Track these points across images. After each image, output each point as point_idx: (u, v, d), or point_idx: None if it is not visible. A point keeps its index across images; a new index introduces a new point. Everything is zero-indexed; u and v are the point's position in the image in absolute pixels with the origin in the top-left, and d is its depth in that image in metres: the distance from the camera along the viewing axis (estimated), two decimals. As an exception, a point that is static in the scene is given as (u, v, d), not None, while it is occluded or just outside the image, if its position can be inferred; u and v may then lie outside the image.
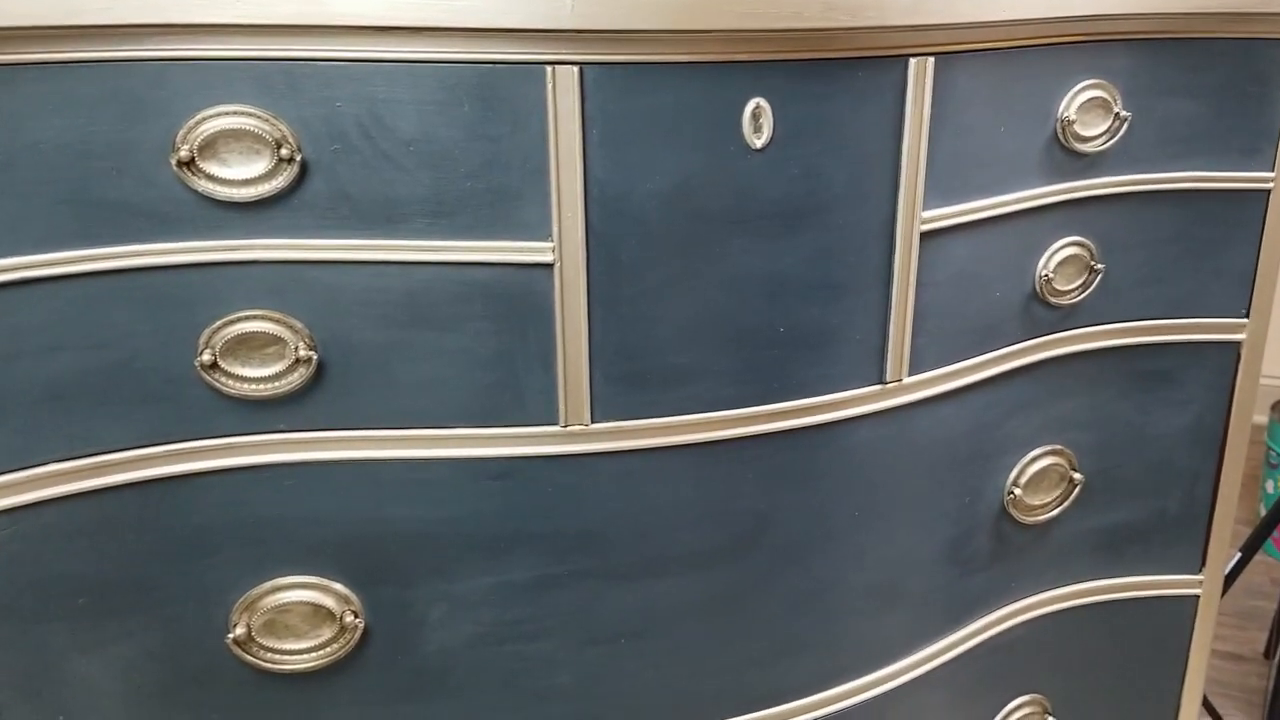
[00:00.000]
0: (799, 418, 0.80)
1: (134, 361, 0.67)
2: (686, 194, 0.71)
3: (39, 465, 0.66)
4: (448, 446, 0.73)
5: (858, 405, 0.82)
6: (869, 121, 0.74)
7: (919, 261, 0.80)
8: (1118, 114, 0.87)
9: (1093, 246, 0.91)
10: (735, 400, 0.78)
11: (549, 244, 0.69)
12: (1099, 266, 0.91)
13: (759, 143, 0.71)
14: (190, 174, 0.64)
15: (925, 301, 0.82)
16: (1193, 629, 1.09)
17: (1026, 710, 1.05)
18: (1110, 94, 0.86)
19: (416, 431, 0.73)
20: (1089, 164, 0.88)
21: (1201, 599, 1.08)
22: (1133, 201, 0.92)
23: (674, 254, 0.72)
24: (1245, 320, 0.98)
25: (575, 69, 0.66)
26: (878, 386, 0.82)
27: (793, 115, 0.72)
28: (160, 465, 0.69)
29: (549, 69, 0.65)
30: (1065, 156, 0.87)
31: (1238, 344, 0.99)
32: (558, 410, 0.74)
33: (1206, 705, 1.77)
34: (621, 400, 0.75)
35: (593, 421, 0.75)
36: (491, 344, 0.71)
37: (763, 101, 0.70)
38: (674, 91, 0.68)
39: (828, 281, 0.77)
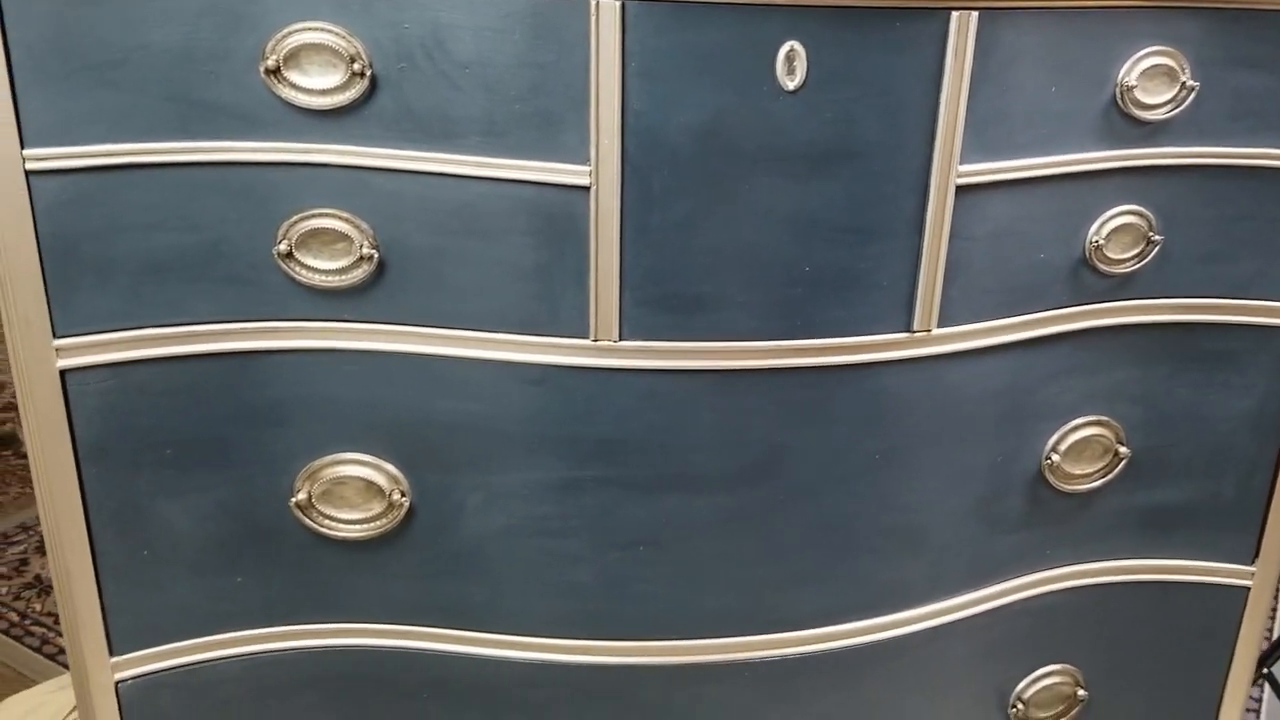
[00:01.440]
0: (820, 356, 0.84)
1: (221, 245, 0.76)
2: (718, 130, 0.75)
3: (138, 328, 0.77)
4: (489, 349, 0.80)
5: (882, 350, 0.85)
6: (906, 72, 0.77)
7: (954, 214, 0.82)
8: (1184, 83, 0.86)
9: (1151, 217, 0.90)
10: (757, 332, 0.82)
11: (587, 168, 0.75)
12: (1157, 238, 0.91)
13: (791, 85, 0.75)
14: (276, 81, 0.72)
15: (959, 255, 0.84)
16: (1241, 621, 1.06)
17: (1057, 679, 1.05)
18: (1177, 62, 0.85)
19: (462, 332, 0.80)
20: (1150, 132, 0.88)
21: (1253, 591, 1.05)
22: (1199, 174, 0.91)
23: (704, 186, 0.77)
24: (1317, 306, 0.96)
25: (618, 4, 0.71)
26: (904, 334, 0.85)
27: (827, 61, 0.75)
28: (241, 340, 0.79)
29: (593, 2, 0.71)
30: (1124, 123, 0.87)
31: (1307, 330, 0.96)
32: (589, 325, 0.80)
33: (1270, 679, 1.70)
34: (648, 321, 0.80)
35: (620, 339, 0.80)
36: (531, 258, 0.78)
37: (797, 45, 0.74)
38: (711, 30, 0.73)
39: (856, 226, 0.80)
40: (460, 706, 0.91)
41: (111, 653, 0.83)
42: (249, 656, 0.87)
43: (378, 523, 0.85)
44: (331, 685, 0.90)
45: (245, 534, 0.84)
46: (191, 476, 0.81)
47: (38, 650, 1.94)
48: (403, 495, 0.84)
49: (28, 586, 2.08)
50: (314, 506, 0.84)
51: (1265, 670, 1.77)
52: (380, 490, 0.84)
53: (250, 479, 0.83)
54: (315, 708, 0.90)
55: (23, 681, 1.87)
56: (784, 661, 0.92)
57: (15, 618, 2.00)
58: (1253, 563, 1.04)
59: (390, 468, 0.84)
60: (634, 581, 0.88)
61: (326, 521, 0.84)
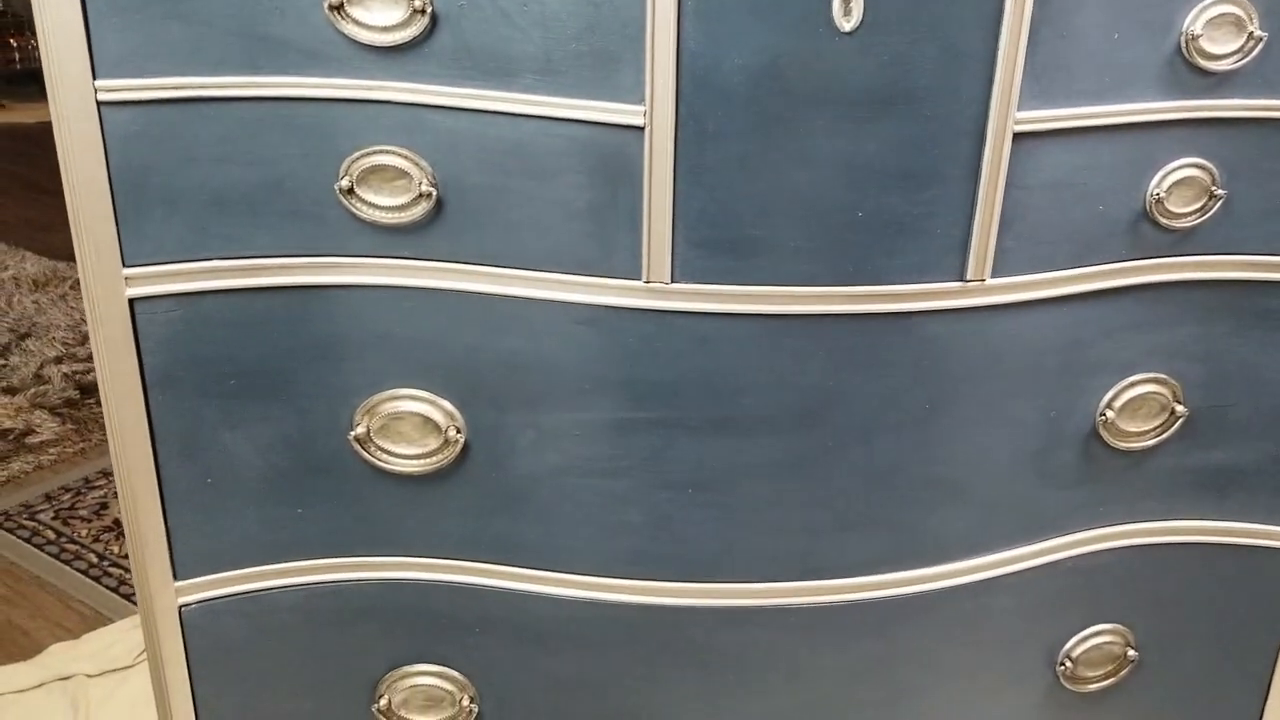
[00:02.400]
0: (872, 303, 0.82)
1: (285, 181, 0.77)
2: (773, 71, 0.74)
3: (204, 260, 0.78)
4: (543, 288, 0.80)
5: (935, 299, 0.83)
6: (965, 14, 0.75)
7: (1010, 163, 0.80)
8: (1252, 33, 0.83)
9: (1215, 171, 0.87)
10: (809, 278, 0.81)
11: (641, 108, 0.75)
12: (1220, 192, 0.88)
13: (848, 26, 0.74)
14: (339, 17, 0.73)
15: (1015, 204, 0.82)
16: (1299, 585, 1.03)
17: (1107, 639, 1.03)
18: (1245, 11, 0.82)
19: (517, 271, 0.80)
20: (1216, 83, 0.85)
21: (1311, 555, 1.02)
22: (1265, 128, 0.88)
23: (758, 128, 0.76)
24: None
25: (674, -56, 0.70)
26: (958, 283, 0.83)
27: (884, 2, 0.74)
28: (303, 274, 0.80)
29: (649, -57, 0.70)
30: (1188, 73, 0.84)
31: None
32: (641, 266, 0.79)
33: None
34: (700, 264, 0.80)
35: (672, 281, 0.80)
36: (585, 198, 0.77)
37: (853, -14, 0.73)
38: (766, -30, 0.72)
39: (910, 171, 0.79)
40: (511, 642, 0.91)
41: (175, 577, 0.85)
42: (307, 586, 0.89)
43: (434, 458, 0.85)
44: (386, 617, 0.91)
45: (305, 466, 0.85)
46: (254, 407, 0.82)
47: (115, 591, 1.99)
48: (458, 432, 0.84)
49: (106, 530, 2.13)
50: (372, 441, 0.84)
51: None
52: (436, 426, 0.84)
53: (310, 412, 0.84)
54: (370, 638, 0.91)
55: (100, 620, 1.92)
56: (828, 608, 0.91)
57: (94, 559, 2.06)
58: (1311, 527, 1.01)
59: (446, 404, 0.84)
60: (682, 523, 0.87)
61: (384, 456, 0.85)
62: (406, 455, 0.85)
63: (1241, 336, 0.95)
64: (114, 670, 1.78)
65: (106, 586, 2.00)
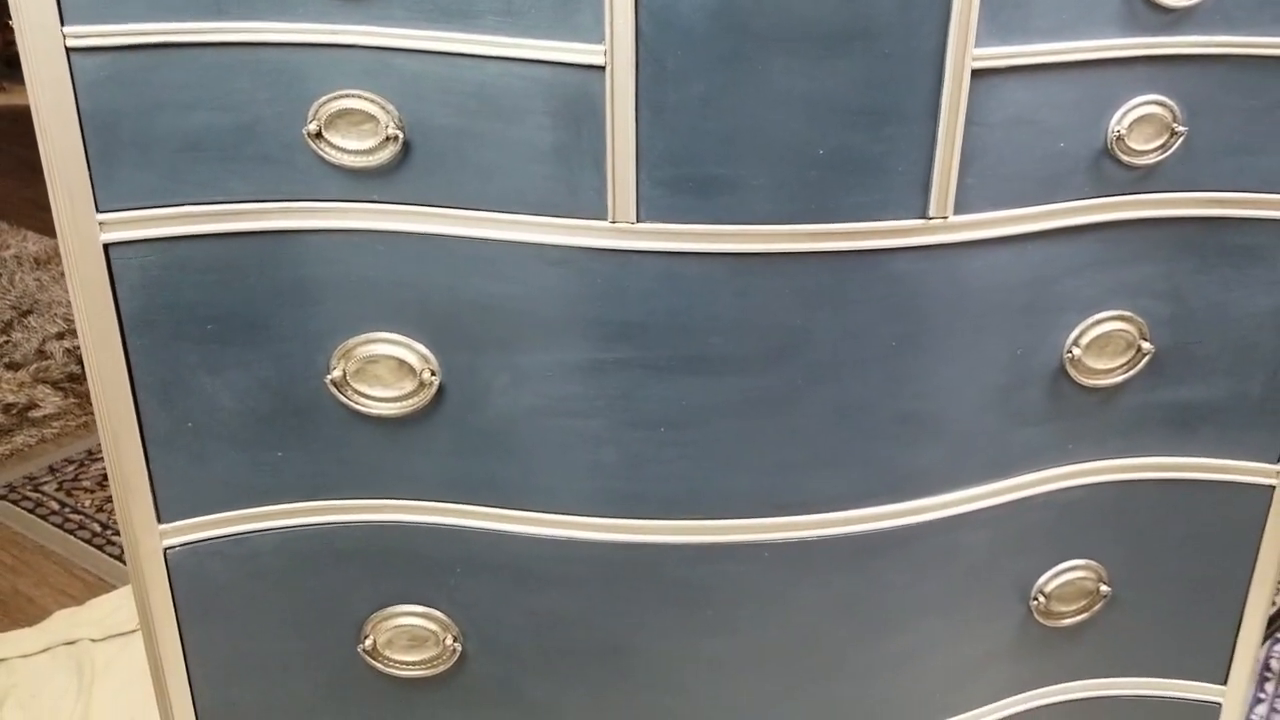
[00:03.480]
0: (836, 240, 0.83)
1: (255, 125, 0.77)
2: (732, 8, 0.75)
3: (178, 205, 0.79)
4: (511, 230, 0.81)
5: (898, 236, 0.84)
6: (920, -49, 0.75)
7: (970, 100, 0.81)
8: (1210, -30, 0.83)
9: (1175, 108, 0.88)
10: (773, 216, 0.81)
11: (601, 47, 0.75)
12: (1181, 129, 0.88)
13: (803, -36, 0.74)
14: (301, -37, 0.73)
15: (976, 141, 0.82)
16: (1266, 520, 1.04)
17: (1080, 574, 1.04)
18: (1202, -50, 0.83)
19: (485, 214, 0.81)
20: (1174, 20, 0.85)
21: (1278, 490, 1.03)
22: (1226, 64, 0.88)
23: (718, 66, 0.76)
24: (1344, 202, 0.93)
25: (629, -118, 0.71)
26: (920, 221, 0.84)
27: (838, -61, 0.74)
28: (275, 219, 0.80)
29: (604, -120, 0.71)
30: (1147, 10, 0.84)
31: (1333, 221, 0.93)
32: (607, 207, 0.80)
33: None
34: (665, 203, 0.80)
35: (638, 220, 0.80)
36: (549, 139, 0.78)
37: (808, -77, 0.73)
38: (722, -92, 0.72)
39: (871, 108, 0.79)
40: (492, 581, 0.92)
41: (159, 520, 0.86)
42: (290, 529, 0.90)
43: (409, 401, 0.86)
44: (369, 559, 0.92)
45: (284, 410, 0.86)
46: (231, 352, 0.83)
47: (118, 559, 2.01)
48: (433, 374, 0.85)
49: (110, 500, 2.15)
50: (348, 384, 0.85)
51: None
52: (411, 369, 0.85)
53: (288, 356, 0.84)
54: (354, 580, 0.92)
55: (104, 586, 1.94)
56: (802, 543, 0.92)
57: (97, 528, 2.07)
58: (1278, 461, 1.02)
59: (420, 347, 0.85)
60: (656, 462, 0.88)
61: (361, 399, 0.86)
62: (383, 398, 0.86)
63: (1206, 274, 0.95)
64: (118, 635, 1.80)
65: (110, 555, 2.02)
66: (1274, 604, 1.77)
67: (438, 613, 0.93)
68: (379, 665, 0.94)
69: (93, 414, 2.58)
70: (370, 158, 0.79)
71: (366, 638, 0.94)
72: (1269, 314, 0.97)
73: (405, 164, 0.79)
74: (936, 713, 1.04)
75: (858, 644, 0.98)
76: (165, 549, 0.87)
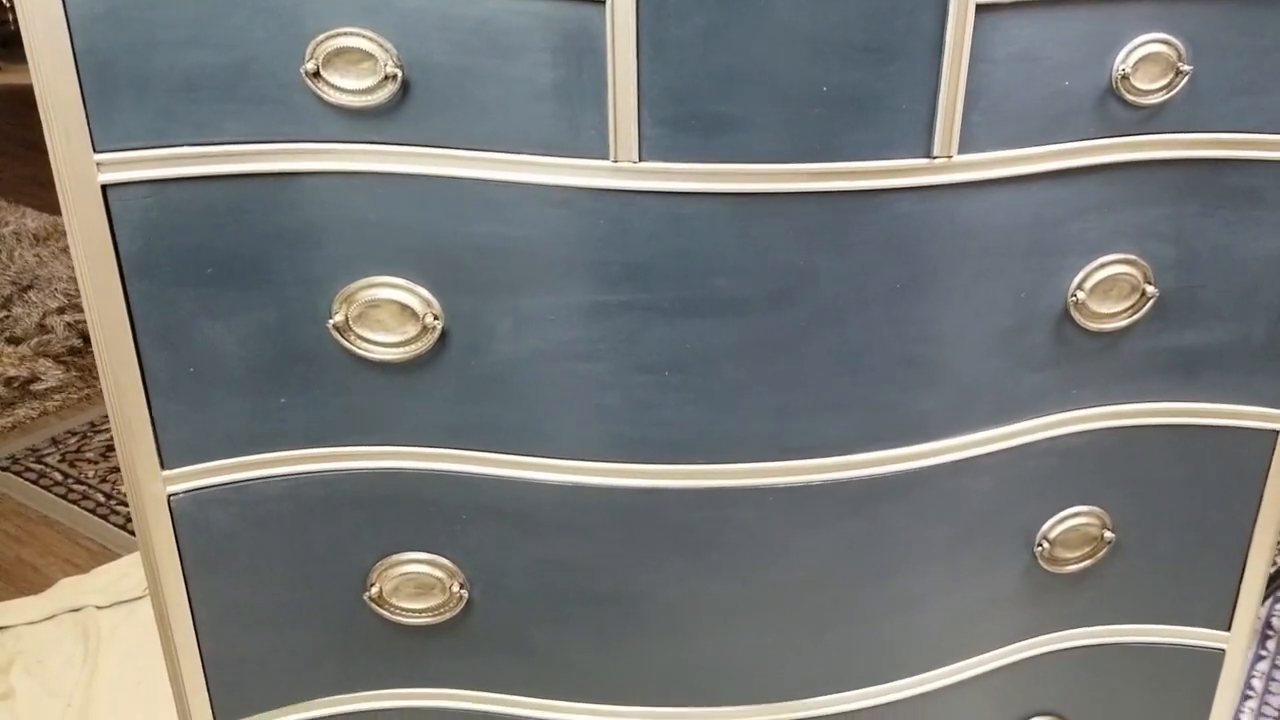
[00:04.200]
0: (840, 180, 0.82)
1: (251, 64, 0.76)
2: (733, -60, 0.73)
3: (175, 146, 0.77)
4: (513, 170, 0.80)
5: (902, 176, 0.83)
6: (923, -118, 0.74)
7: (974, 35, 0.79)
8: (1215, -95, 0.82)
9: (1181, 47, 0.86)
10: (777, 155, 0.80)
11: (602, -20, 0.74)
12: (1186, 68, 0.87)
13: (806, -106, 0.73)
14: (297, -104, 0.72)
15: (980, 79, 0.81)
16: (1270, 465, 1.03)
17: (1084, 520, 1.03)
18: (1207, -117, 0.81)
19: (485, 154, 0.79)
20: (1179, -43, 0.84)
21: (1283, 434, 1.02)
22: (1232, 3, 0.86)
23: (719, 1, 0.75)
24: (1348, 141, 0.91)
25: None
26: (924, 160, 0.83)
27: None
28: (273, 161, 0.79)
29: None
30: (1151, -53, 0.83)
31: (1339, 166, 0.92)
32: (608, 146, 0.79)
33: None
34: (667, 142, 0.79)
35: (640, 160, 0.79)
36: (550, 77, 0.77)
37: None
38: None
39: (874, 45, 0.78)
40: (497, 528, 0.92)
41: (163, 466, 0.85)
42: (294, 476, 0.89)
43: (412, 346, 0.85)
44: (374, 506, 0.91)
45: (287, 356, 0.85)
46: (232, 296, 0.82)
47: (122, 528, 2.00)
48: (435, 319, 0.84)
49: (113, 470, 2.15)
50: (351, 329, 0.84)
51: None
52: (414, 313, 0.84)
53: (289, 301, 0.83)
54: (359, 528, 0.92)
55: (108, 555, 1.94)
56: (806, 487, 0.91)
57: (101, 498, 2.07)
58: (1283, 405, 1.01)
59: (423, 291, 0.84)
60: (660, 405, 0.87)
61: (363, 344, 0.85)
62: (385, 343, 0.85)
63: (1210, 216, 0.94)
64: (123, 601, 1.80)
65: (114, 524, 2.02)
66: (1275, 562, 1.77)
67: (444, 560, 0.93)
68: (385, 613, 0.94)
69: (94, 387, 2.60)
70: (369, 97, 0.77)
71: (372, 585, 0.93)
72: (1273, 257, 0.96)
73: (404, 104, 0.78)
74: (942, 658, 1.03)
75: (863, 589, 0.97)
76: (169, 496, 0.86)
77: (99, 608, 1.75)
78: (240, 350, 0.84)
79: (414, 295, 0.84)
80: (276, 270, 0.82)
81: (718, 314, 0.85)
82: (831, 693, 1.01)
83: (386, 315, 0.84)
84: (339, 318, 0.84)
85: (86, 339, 2.58)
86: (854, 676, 1.01)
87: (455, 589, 0.93)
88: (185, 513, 0.87)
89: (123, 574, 1.84)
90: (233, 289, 0.82)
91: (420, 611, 0.94)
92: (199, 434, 0.86)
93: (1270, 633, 1.81)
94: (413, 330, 0.85)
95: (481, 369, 0.86)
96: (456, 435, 0.89)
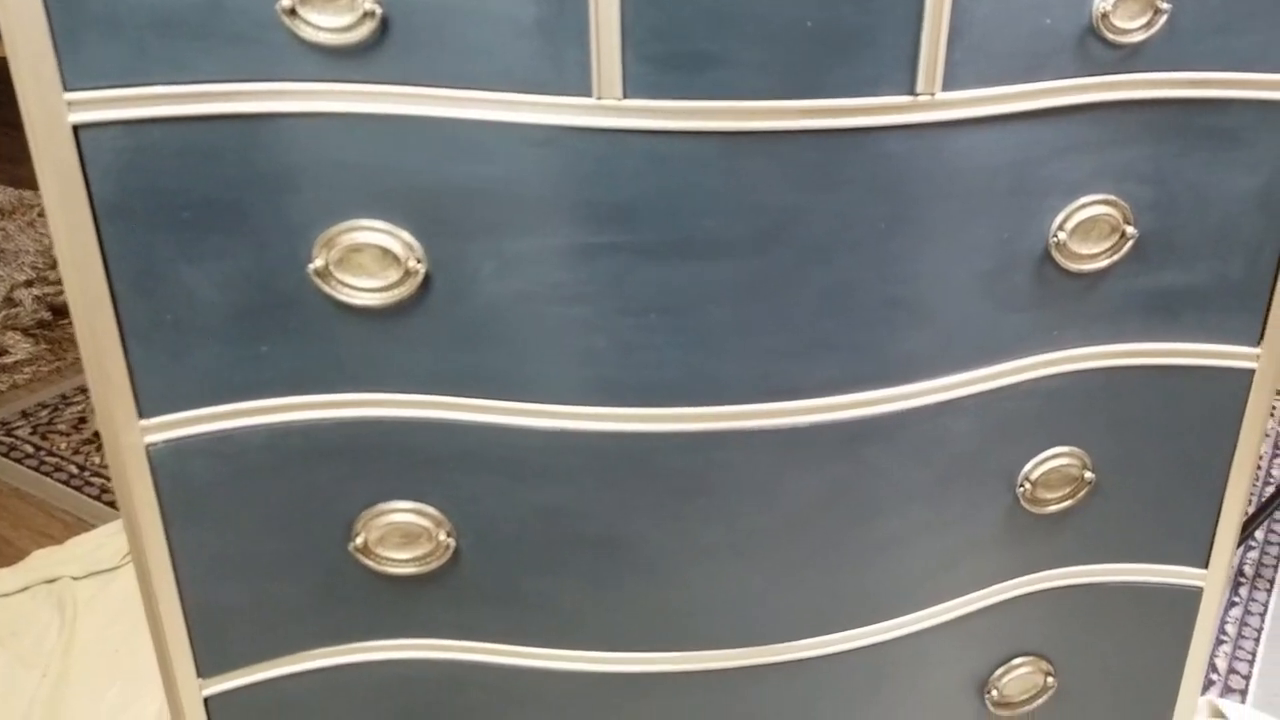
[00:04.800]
0: (824, 118, 0.81)
1: (225, 0, 0.74)
2: None
3: (148, 85, 0.75)
4: (495, 110, 0.78)
5: (886, 114, 0.82)
6: None
7: (957, -31, 0.79)
8: None
9: (1160, -17, 0.86)
10: (761, 92, 0.79)
11: (583, -89, 0.72)
12: (1165, 6, 0.87)
13: None
14: None
15: (963, 16, 0.80)
16: (1246, 403, 1.04)
17: (1065, 461, 1.04)
18: None
19: (468, 93, 0.78)
20: (1158, -108, 0.83)
21: (1258, 373, 1.03)
22: (1209, -60, 0.86)
23: (704, -68, 0.74)
24: (1324, 79, 0.91)
25: None
26: (908, 97, 0.82)
27: None
28: (250, 101, 0.77)
29: None
30: (1131, -119, 0.82)
31: (1315, 104, 0.92)
32: (592, 83, 0.77)
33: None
34: (652, 79, 0.78)
35: (624, 97, 0.78)
36: (531, 12, 0.75)
37: None
38: None
39: (858, -23, 0.77)
40: (484, 475, 0.91)
41: (140, 415, 0.84)
42: (276, 425, 0.87)
43: (395, 290, 0.84)
44: (358, 455, 0.90)
45: (267, 302, 0.83)
46: (210, 241, 0.80)
47: (97, 499, 1.98)
48: (418, 262, 0.83)
49: (86, 442, 2.11)
50: (332, 274, 0.83)
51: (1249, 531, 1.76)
52: (396, 257, 0.83)
53: (269, 245, 0.82)
54: (343, 477, 0.90)
55: (83, 526, 1.91)
56: (794, 429, 0.91)
57: (74, 470, 2.04)
58: (1259, 344, 1.02)
59: (405, 234, 0.82)
60: (647, 349, 0.86)
61: (345, 289, 0.83)
62: (368, 288, 0.83)
63: (1188, 157, 0.94)
64: (99, 572, 1.78)
65: (88, 495, 1.99)
66: (1246, 511, 1.80)
67: (430, 508, 0.92)
68: (371, 563, 0.93)
69: (65, 360, 2.55)
70: (347, 35, 0.75)
71: (358, 535, 0.92)
72: (1250, 196, 0.96)
73: (384, 41, 0.76)
74: (925, 600, 1.04)
75: (849, 531, 0.97)
76: (147, 445, 0.84)
77: (74, 578, 1.72)
78: (219, 296, 0.82)
79: (396, 239, 0.82)
80: (255, 214, 0.80)
81: (705, 255, 0.84)
82: (818, 635, 1.01)
83: (368, 260, 0.83)
84: (319, 262, 0.82)
85: (56, 312, 2.53)
86: (839, 619, 1.01)
87: (442, 538, 0.92)
88: (164, 463, 0.85)
89: (98, 544, 1.81)
90: (210, 233, 0.80)
91: (406, 561, 0.93)
92: (177, 382, 0.84)
93: (1242, 579, 1.83)
94: (395, 275, 0.83)
95: (466, 313, 0.85)
96: (441, 382, 0.88)
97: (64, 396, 2.23)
